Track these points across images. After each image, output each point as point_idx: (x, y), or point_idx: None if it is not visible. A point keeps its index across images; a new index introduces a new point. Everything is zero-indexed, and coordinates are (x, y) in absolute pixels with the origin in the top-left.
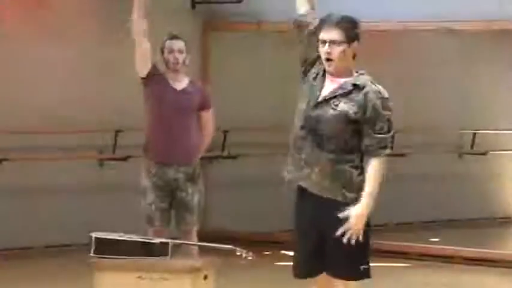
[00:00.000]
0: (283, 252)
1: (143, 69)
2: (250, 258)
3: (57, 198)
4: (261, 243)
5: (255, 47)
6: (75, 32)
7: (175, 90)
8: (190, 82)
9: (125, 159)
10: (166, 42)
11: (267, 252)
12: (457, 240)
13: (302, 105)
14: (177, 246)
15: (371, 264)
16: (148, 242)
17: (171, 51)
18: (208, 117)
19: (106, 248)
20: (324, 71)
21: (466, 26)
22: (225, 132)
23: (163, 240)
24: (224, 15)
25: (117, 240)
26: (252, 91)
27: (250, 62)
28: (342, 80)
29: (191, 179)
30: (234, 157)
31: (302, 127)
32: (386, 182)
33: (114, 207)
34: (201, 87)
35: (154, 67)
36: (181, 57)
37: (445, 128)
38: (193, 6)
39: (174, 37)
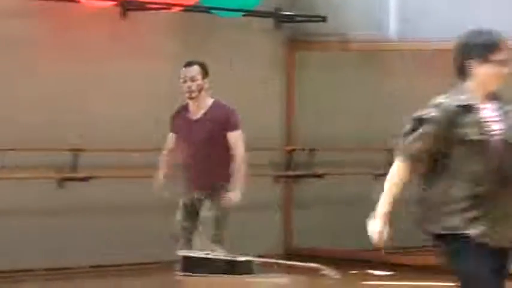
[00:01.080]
0: (369, 271)
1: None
2: (336, 277)
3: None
4: (347, 262)
5: (340, 66)
6: (152, 50)
7: (190, 121)
8: (212, 107)
9: None
10: (181, 70)
11: (353, 271)
12: None
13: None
14: (262, 265)
15: None
16: (233, 260)
17: (184, 80)
18: (236, 137)
19: (192, 266)
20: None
21: None
22: (311, 150)
23: (248, 258)
24: (309, 34)
25: (203, 258)
26: (338, 110)
27: (336, 81)
28: (494, 103)
29: (211, 196)
30: (319, 176)
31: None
32: None
33: None
34: (225, 109)
35: (172, 120)
36: (194, 85)
37: None
38: (277, 25)
39: (187, 64)
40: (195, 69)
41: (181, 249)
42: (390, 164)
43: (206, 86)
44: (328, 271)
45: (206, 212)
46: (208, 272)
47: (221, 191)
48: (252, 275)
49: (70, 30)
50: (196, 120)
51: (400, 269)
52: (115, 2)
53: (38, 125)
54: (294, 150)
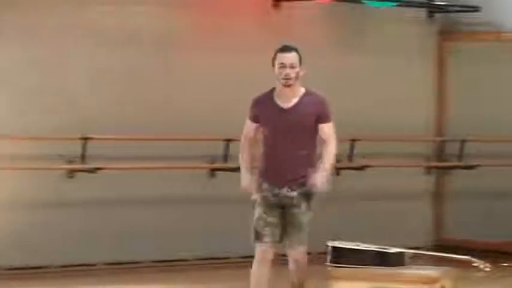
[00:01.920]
0: None
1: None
2: (487, 269)
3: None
4: (499, 254)
5: (494, 57)
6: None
7: (280, 110)
8: (305, 95)
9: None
10: (277, 54)
11: (505, 264)
12: None
13: None
14: (413, 256)
15: None
16: (384, 252)
17: (283, 66)
18: (330, 129)
19: (345, 256)
20: None
21: None
22: (463, 141)
23: (399, 250)
24: (462, 25)
25: (353, 249)
26: (491, 102)
27: (490, 73)
28: None
29: (303, 196)
30: (471, 167)
31: None
32: None
33: None
34: (319, 99)
35: (255, 108)
36: (293, 73)
37: None
38: (429, 15)
39: (285, 49)
40: (294, 56)
41: (266, 245)
42: None
43: (302, 73)
44: (479, 263)
45: (301, 216)
46: (359, 263)
47: (311, 188)
48: (404, 266)
49: (217, 20)
50: (288, 109)
51: None
52: None
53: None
54: (445, 141)
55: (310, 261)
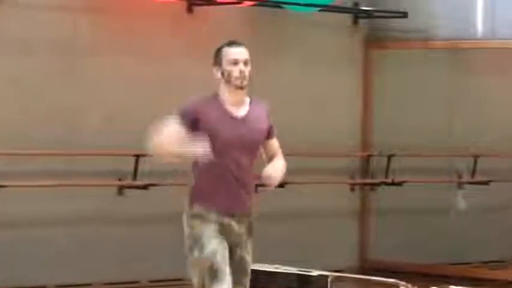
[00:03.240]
0: (451, 287)
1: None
2: None
3: None
4: (427, 277)
5: (421, 66)
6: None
7: (233, 119)
8: (252, 102)
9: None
10: (224, 50)
11: (433, 287)
12: None
13: None
14: (337, 279)
15: None
16: (305, 275)
17: (235, 62)
18: (277, 145)
19: (262, 279)
20: None
21: None
22: (390, 156)
23: (322, 272)
24: (388, 31)
25: (272, 272)
26: (418, 113)
27: (416, 81)
28: None
29: (249, 230)
30: (398, 184)
31: None
32: None
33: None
34: (266, 108)
35: (196, 113)
36: (247, 71)
37: None
38: (355, 21)
39: (235, 43)
40: (246, 51)
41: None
42: (474, 171)
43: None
44: (406, 286)
45: (247, 256)
46: (279, 286)
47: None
48: None
49: (133, 25)
50: (242, 119)
51: (484, 285)
52: None
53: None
54: (370, 156)
55: None
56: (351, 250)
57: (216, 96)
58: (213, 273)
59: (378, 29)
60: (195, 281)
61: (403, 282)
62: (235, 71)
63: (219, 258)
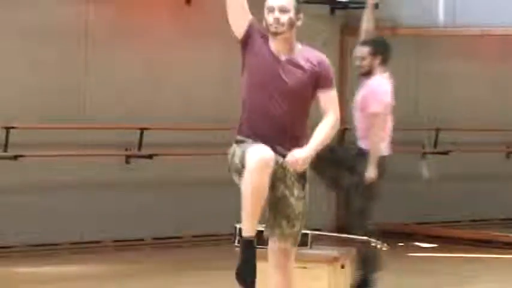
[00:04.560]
0: (415, 243)
1: (239, 24)
2: (384, 249)
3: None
4: (395, 235)
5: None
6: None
7: (276, 59)
8: (303, 50)
9: None
10: None
11: (400, 244)
12: None
13: None
14: (316, 238)
15: None
16: None
17: (270, 10)
18: (334, 97)
19: None
20: None
21: None
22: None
23: (304, 231)
24: (361, 20)
25: (260, 230)
26: None
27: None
28: None
29: (300, 176)
30: None
31: None
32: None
33: None
34: (321, 56)
35: (255, 30)
36: (284, 17)
37: None
38: (332, 11)
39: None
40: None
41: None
42: (436, 142)
43: (299, 23)
44: (377, 243)
45: (291, 198)
46: (266, 243)
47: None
48: (307, 247)
49: (135, 16)
50: (281, 62)
51: (444, 242)
52: None
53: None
54: (346, 129)
55: (218, 242)
56: (329, 211)
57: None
58: (252, 151)
59: (352, 19)
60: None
61: (373, 239)
62: (270, 18)
63: (250, 141)
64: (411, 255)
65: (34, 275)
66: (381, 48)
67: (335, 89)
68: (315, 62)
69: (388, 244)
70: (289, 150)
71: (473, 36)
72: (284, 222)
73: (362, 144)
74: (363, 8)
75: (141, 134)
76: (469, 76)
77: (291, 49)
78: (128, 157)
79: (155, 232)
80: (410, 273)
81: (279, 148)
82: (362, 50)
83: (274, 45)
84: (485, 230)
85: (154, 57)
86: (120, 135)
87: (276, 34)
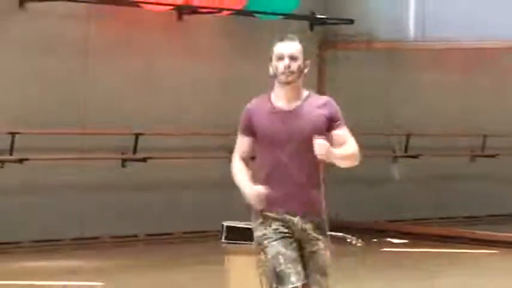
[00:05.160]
0: (388, 239)
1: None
2: (359, 244)
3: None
4: (369, 231)
5: (365, 64)
6: (204, 48)
7: (281, 113)
8: (309, 97)
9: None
10: (275, 45)
11: (374, 240)
12: None
13: None
14: None
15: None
16: None
17: (281, 57)
18: (346, 134)
19: (236, 234)
20: None
21: None
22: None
23: None
24: (338, 35)
25: (245, 228)
26: (361, 100)
27: (360, 75)
28: None
29: (319, 229)
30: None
31: None
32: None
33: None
34: (327, 99)
35: (250, 116)
36: (295, 65)
37: None
38: (311, 27)
39: (285, 38)
40: (296, 46)
41: (294, 285)
42: (406, 147)
43: (306, 70)
44: (352, 239)
45: (318, 254)
46: (249, 239)
47: (323, 218)
48: None
49: (132, 31)
50: (291, 113)
51: (414, 238)
52: (172, 7)
53: (105, 111)
54: None
55: (206, 239)
56: None
57: (270, 93)
58: (278, 276)
59: (330, 33)
60: (264, 281)
61: (349, 236)
62: (281, 65)
63: (281, 260)
64: (384, 250)
65: (41, 268)
66: None
67: (346, 128)
68: (322, 106)
69: (362, 240)
70: (308, 203)
71: (441, 49)
72: (320, 278)
73: None
74: (340, 23)
75: (136, 139)
76: (437, 86)
77: (299, 96)
78: (124, 160)
79: (148, 229)
80: (384, 267)
81: (296, 205)
82: None
83: (282, 94)
84: (451, 227)
85: (149, 69)
86: (117, 140)
87: (287, 83)
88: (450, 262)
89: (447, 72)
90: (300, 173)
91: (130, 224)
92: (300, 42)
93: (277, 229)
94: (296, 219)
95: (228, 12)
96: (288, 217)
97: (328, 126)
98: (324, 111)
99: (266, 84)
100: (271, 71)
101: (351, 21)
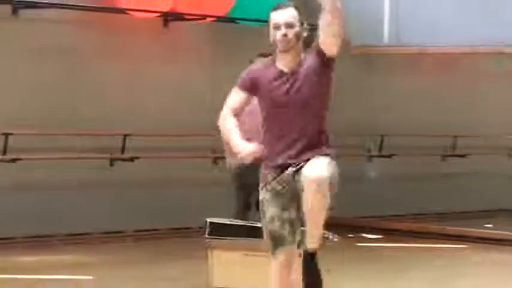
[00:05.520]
0: (363, 235)
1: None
2: (336, 239)
3: (177, 188)
4: (346, 228)
5: (341, 68)
6: (189, 53)
7: (281, 74)
8: (306, 57)
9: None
10: (270, 15)
11: (350, 235)
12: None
13: None
14: None
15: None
16: (253, 226)
17: (277, 26)
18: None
19: (218, 230)
20: None
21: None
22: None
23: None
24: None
25: (227, 224)
26: (336, 103)
27: (338, 81)
28: None
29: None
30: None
31: None
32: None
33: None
34: (315, 50)
35: (252, 74)
36: (291, 33)
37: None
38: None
39: (278, 7)
40: (291, 12)
41: (291, 246)
42: (381, 147)
43: (305, 34)
44: (329, 234)
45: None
46: (231, 235)
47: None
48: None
49: (120, 37)
50: (292, 75)
51: (388, 233)
52: (158, 14)
53: (94, 113)
54: None
55: (191, 235)
56: None
57: (273, 58)
58: (275, 239)
59: (307, 39)
60: (268, 243)
61: (326, 231)
62: (278, 35)
63: (277, 223)
64: (360, 245)
65: (36, 263)
66: None
67: None
68: (313, 59)
69: (339, 235)
70: (304, 150)
71: (413, 53)
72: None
73: None
74: (315, 29)
75: (124, 140)
76: (410, 89)
77: (300, 61)
78: (112, 160)
79: (135, 225)
80: (359, 260)
81: (293, 155)
82: None
83: (283, 61)
84: (423, 223)
85: (136, 73)
86: (106, 141)
87: (286, 51)
88: (421, 256)
89: (420, 76)
90: (301, 135)
91: (119, 221)
92: (295, 8)
93: (273, 189)
94: (289, 170)
95: (212, 19)
96: (284, 173)
97: (322, 62)
98: (316, 63)
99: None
100: (270, 39)
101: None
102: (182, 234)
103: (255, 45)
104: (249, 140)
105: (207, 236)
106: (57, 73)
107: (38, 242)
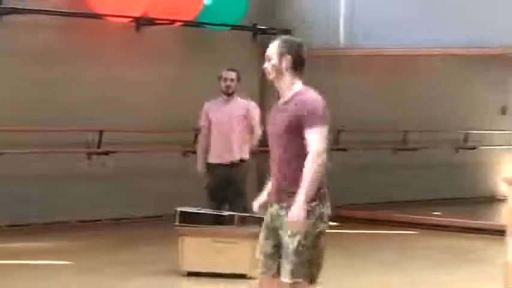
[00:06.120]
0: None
1: None
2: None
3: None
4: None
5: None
6: (159, 56)
7: (276, 110)
8: (296, 94)
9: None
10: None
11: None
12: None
13: None
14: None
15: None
16: (220, 215)
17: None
18: (311, 137)
19: (188, 218)
20: None
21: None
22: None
23: (231, 213)
24: None
25: (197, 213)
26: None
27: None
28: None
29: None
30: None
31: None
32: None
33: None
34: (305, 97)
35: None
36: (270, 65)
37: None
38: (254, 37)
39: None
40: (271, 48)
41: (261, 276)
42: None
43: (284, 65)
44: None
45: (287, 237)
46: (202, 223)
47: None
48: (235, 226)
49: (95, 40)
50: (278, 108)
51: (345, 221)
52: (131, 19)
53: (72, 111)
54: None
55: (161, 222)
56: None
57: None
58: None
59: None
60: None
61: None
62: (265, 68)
63: (258, 250)
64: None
65: (15, 249)
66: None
67: (317, 128)
68: (297, 103)
69: None
70: (282, 191)
71: (367, 55)
72: (286, 262)
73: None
74: (278, 33)
75: (100, 135)
76: (364, 89)
77: (287, 93)
78: (89, 154)
79: (111, 214)
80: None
81: (275, 194)
82: (231, 74)
83: (280, 90)
84: (377, 210)
85: (110, 74)
86: (83, 136)
87: (273, 81)
88: (377, 242)
89: (375, 76)
90: (280, 167)
91: (96, 210)
92: (281, 42)
93: (266, 220)
94: (274, 207)
95: (181, 23)
96: (272, 207)
97: (298, 125)
98: (299, 108)
99: (214, 86)
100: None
101: (288, 32)
102: (155, 222)
103: (221, 49)
104: None
105: (177, 223)
106: (38, 74)
107: (20, 229)
